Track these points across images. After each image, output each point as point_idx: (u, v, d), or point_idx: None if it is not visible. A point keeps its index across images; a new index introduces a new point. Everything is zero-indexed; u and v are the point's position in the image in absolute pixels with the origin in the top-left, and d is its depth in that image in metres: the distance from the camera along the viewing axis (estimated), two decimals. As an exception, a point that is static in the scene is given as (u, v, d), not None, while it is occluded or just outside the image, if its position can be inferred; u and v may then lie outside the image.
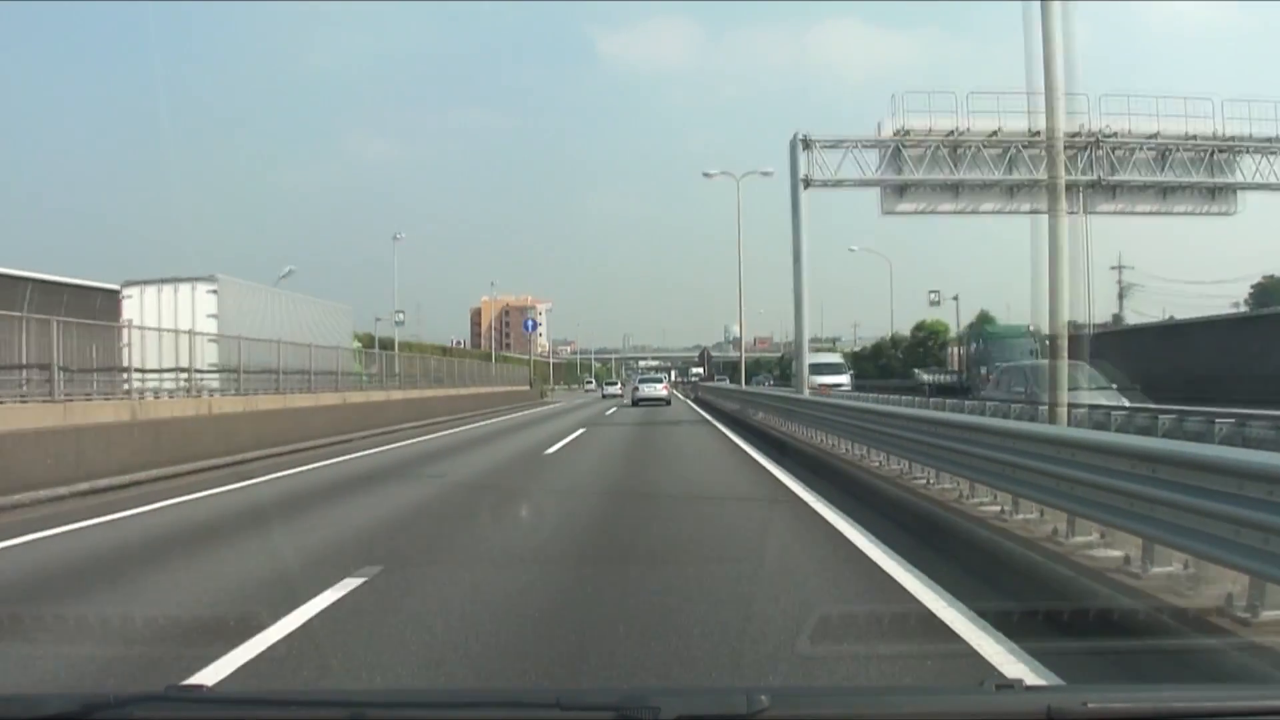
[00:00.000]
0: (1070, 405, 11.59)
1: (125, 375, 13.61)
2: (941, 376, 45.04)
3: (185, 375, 14.60)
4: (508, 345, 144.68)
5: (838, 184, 20.26)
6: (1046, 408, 10.84)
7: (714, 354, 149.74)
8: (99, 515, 8.07)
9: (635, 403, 41.11)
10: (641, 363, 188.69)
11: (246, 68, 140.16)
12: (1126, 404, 17.52)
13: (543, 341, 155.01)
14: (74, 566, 6.02)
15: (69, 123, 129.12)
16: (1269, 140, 20.43)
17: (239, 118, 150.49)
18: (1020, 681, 2.16)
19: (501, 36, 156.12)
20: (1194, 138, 20.58)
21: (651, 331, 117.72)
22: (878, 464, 9.50)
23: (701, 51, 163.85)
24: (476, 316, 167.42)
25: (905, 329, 68.73)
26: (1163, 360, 29.32)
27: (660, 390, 45.73)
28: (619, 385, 63.58)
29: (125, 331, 14.75)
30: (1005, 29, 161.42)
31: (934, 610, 4.18)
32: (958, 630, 3.80)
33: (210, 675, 3.40)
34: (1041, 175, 17.39)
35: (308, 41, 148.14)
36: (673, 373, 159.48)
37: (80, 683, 3.51)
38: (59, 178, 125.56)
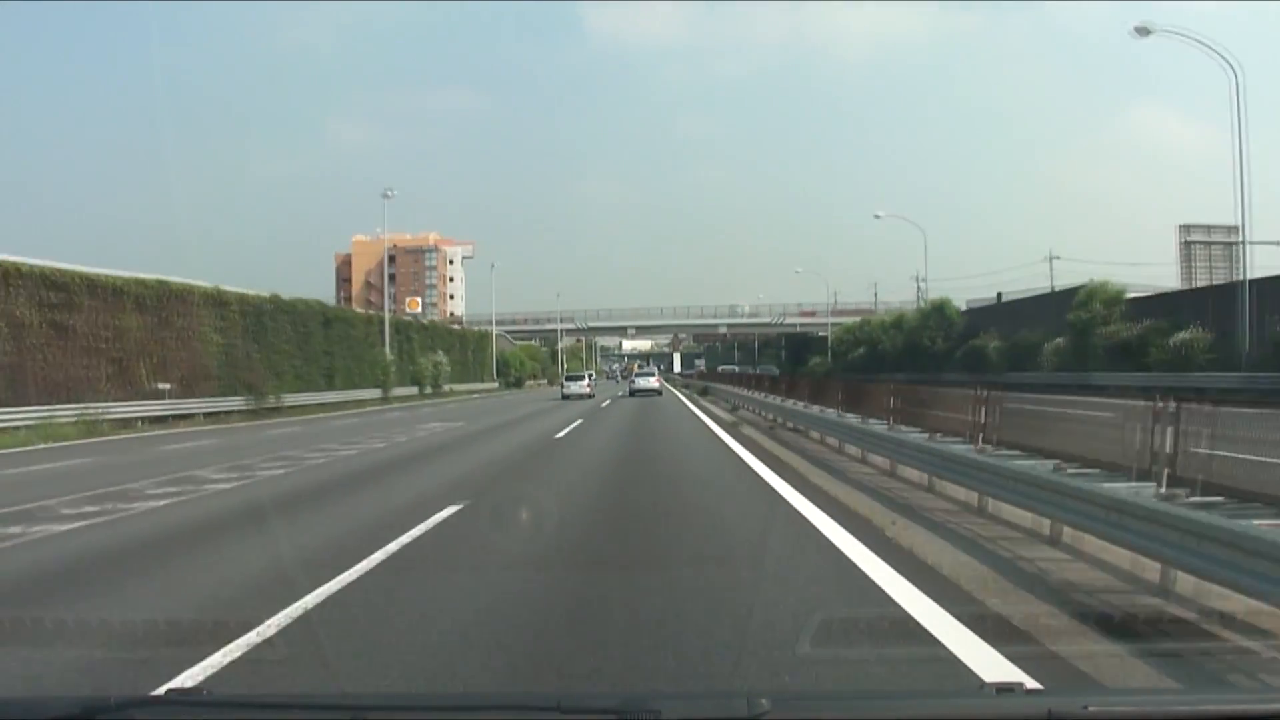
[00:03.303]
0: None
1: None
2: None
3: None
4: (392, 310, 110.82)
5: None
6: None
7: (725, 331, 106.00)
8: None
9: (632, 393, 47.98)
10: (626, 343, 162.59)
11: (225, 48, 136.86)
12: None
13: (453, 304, 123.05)
14: None
15: (54, 111, 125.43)
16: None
17: (222, 101, 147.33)
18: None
19: (482, 9, 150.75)
20: None
21: (637, 312, 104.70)
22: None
23: (696, 24, 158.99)
24: (345, 267, 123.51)
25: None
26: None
27: (653, 383, 51.67)
28: (585, 381, 48.55)
29: None
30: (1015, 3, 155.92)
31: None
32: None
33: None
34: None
35: (280, 22, 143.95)
36: (682, 358, 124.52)
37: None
38: (46, 166, 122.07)
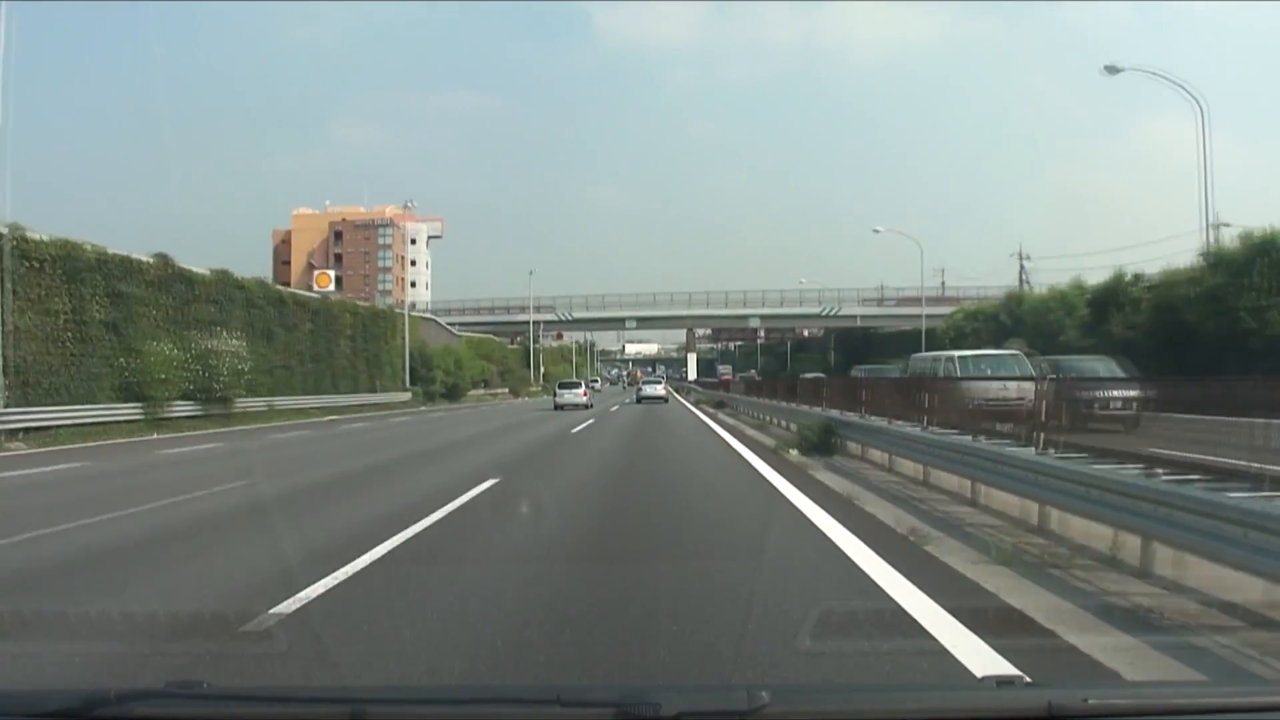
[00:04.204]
0: None
1: None
2: None
3: None
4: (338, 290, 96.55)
5: None
6: None
7: (757, 325, 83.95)
8: None
9: (639, 400, 48.56)
10: (630, 347, 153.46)
11: (228, 45, 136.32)
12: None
13: (415, 292, 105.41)
14: None
15: (62, 105, 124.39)
16: None
17: (226, 99, 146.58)
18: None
19: (489, 8, 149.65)
20: None
21: (639, 300, 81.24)
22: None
23: (706, 27, 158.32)
24: (284, 247, 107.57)
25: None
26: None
27: (659, 390, 51.92)
28: (582, 389, 45.86)
29: None
30: (1030, 8, 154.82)
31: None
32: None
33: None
34: None
35: (287, 19, 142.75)
36: (700, 363, 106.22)
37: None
38: (49, 159, 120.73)
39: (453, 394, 57.93)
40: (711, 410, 38.04)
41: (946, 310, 58.61)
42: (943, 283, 71.59)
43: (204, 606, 6.09)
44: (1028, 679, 2.80)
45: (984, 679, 2.29)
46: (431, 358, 57.31)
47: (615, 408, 40.48)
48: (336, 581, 6.20)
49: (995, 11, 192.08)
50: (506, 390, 71.15)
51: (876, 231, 57.40)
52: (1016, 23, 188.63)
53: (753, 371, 78.42)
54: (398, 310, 56.42)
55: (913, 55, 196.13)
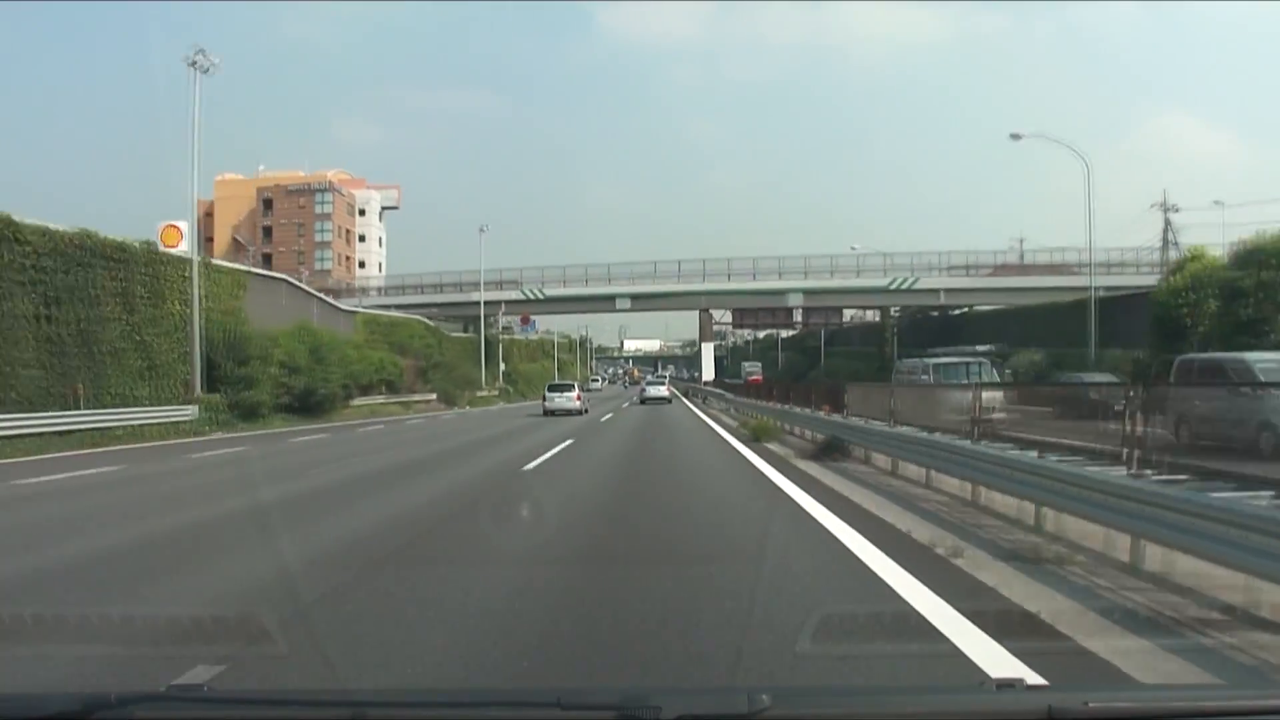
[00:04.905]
0: None
1: None
2: None
3: None
4: (264, 262, 76.09)
5: None
6: None
7: (798, 304, 61.99)
8: None
9: (643, 401, 46.32)
10: (630, 343, 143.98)
11: (227, 42, 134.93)
12: None
13: (365, 273, 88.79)
14: None
15: (57, 108, 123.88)
16: None
17: (224, 96, 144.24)
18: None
19: (490, 8, 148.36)
20: None
21: (635, 271, 62.54)
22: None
23: (709, 25, 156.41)
24: (210, 220, 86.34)
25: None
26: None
27: (663, 391, 49.57)
28: (576, 392, 39.82)
29: None
30: (1035, 8, 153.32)
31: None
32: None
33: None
34: None
35: (285, 16, 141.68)
36: (719, 360, 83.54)
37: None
38: (48, 164, 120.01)
39: (308, 404, 36.26)
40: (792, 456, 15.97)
41: (1038, 283, 46.53)
42: (1021, 254, 59.75)
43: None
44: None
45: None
46: (247, 342, 34.22)
47: (544, 457, 17.96)
48: None
49: (1001, 10, 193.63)
50: (433, 396, 51.40)
51: (1016, 137, 39.09)
52: (1023, 21, 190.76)
53: (757, 373, 56.04)
54: (166, 251, 31.88)
55: (920, 50, 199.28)
